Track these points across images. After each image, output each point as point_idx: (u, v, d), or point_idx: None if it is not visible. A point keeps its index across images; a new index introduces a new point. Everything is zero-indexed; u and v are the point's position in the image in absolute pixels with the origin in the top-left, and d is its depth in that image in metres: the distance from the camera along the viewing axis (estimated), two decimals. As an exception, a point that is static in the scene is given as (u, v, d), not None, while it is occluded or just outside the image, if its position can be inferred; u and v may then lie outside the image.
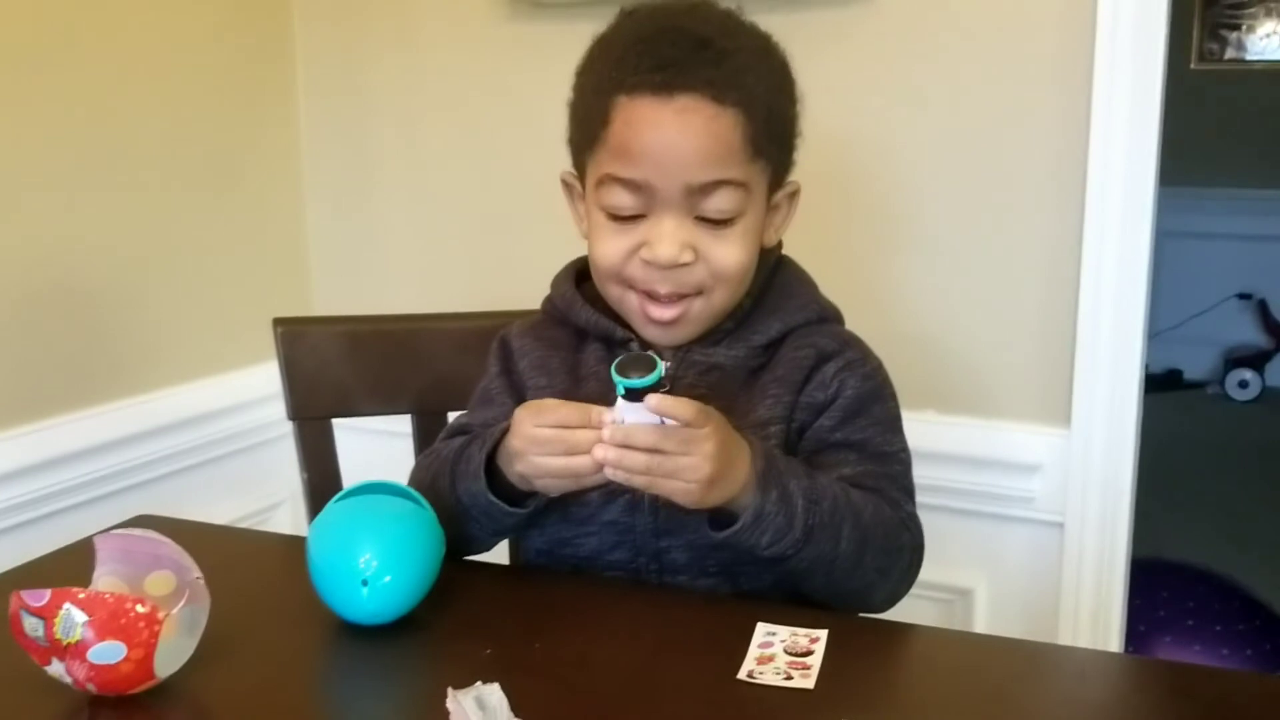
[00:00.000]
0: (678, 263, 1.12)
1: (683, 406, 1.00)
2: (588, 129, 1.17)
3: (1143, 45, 1.62)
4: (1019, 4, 1.69)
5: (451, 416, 1.52)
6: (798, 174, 1.22)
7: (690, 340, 1.19)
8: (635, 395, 1.01)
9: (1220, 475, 3.94)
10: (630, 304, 1.17)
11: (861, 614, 1.17)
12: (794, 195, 1.22)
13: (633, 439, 1.02)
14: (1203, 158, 4.50)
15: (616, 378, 1.01)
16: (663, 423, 1.01)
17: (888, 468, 1.18)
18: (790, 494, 1.06)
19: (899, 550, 1.14)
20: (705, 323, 1.18)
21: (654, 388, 1.01)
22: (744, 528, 1.05)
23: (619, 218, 1.14)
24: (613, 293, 1.19)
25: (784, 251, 1.27)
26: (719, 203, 1.11)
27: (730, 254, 1.13)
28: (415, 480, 1.23)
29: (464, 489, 1.15)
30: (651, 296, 1.15)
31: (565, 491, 1.10)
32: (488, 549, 1.23)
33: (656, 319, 1.16)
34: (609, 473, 1.03)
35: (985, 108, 1.73)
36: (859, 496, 1.12)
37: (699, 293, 1.15)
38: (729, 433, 1.05)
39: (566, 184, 1.24)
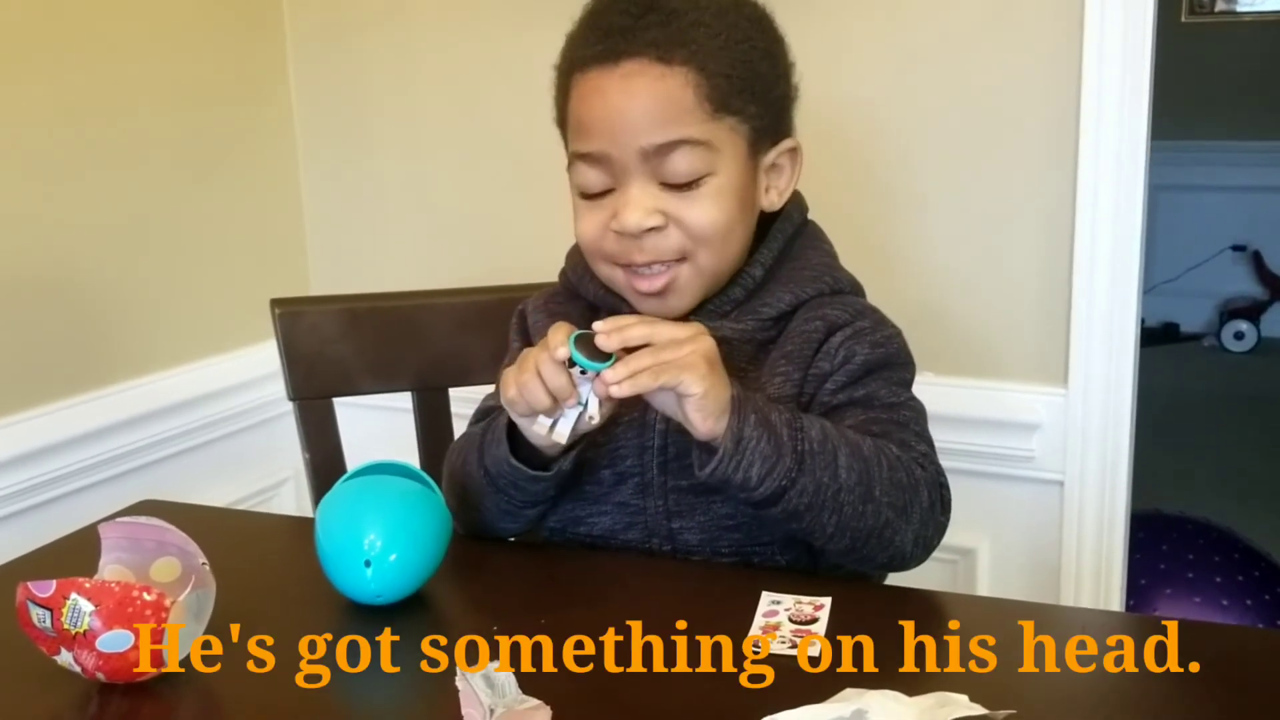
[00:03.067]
0: (644, 228, 1.10)
1: (635, 328, 1.03)
2: (558, 114, 1.18)
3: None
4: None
5: (453, 392, 1.53)
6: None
7: (690, 310, 1.17)
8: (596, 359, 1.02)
9: (1218, 427, 3.95)
10: (619, 280, 1.16)
11: (896, 568, 1.14)
12: (794, 153, 1.19)
13: (626, 334, 1.03)
14: (1195, 111, 4.49)
15: (575, 354, 1.02)
16: None
17: (895, 415, 1.14)
18: (771, 422, 1.04)
19: (914, 485, 1.09)
20: (698, 289, 1.16)
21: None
22: (726, 455, 1.02)
23: (590, 195, 1.14)
24: (601, 271, 1.18)
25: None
26: (679, 164, 1.09)
27: (702, 214, 1.11)
28: (450, 465, 1.22)
29: (490, 460, 1.15)
30: (634, 269, 1.14)
31: (559, 425, 1.09)
32: (524, 527, 1.21)
33: (644, 290, 1.14)
34: (615, 390, 1.01)
35: (974, 66, 1.72)
36: (855, 433, 1.09)
37: (682, 259, 1.13)
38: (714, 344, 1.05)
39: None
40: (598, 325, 1.02)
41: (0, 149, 1.73)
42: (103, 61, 1.87)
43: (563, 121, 1.17)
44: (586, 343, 1.03)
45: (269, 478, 2.18)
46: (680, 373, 1.00)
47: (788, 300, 1.18)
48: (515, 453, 1.13)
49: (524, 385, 1.05)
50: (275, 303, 1.49)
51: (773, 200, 1.19)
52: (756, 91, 1.13)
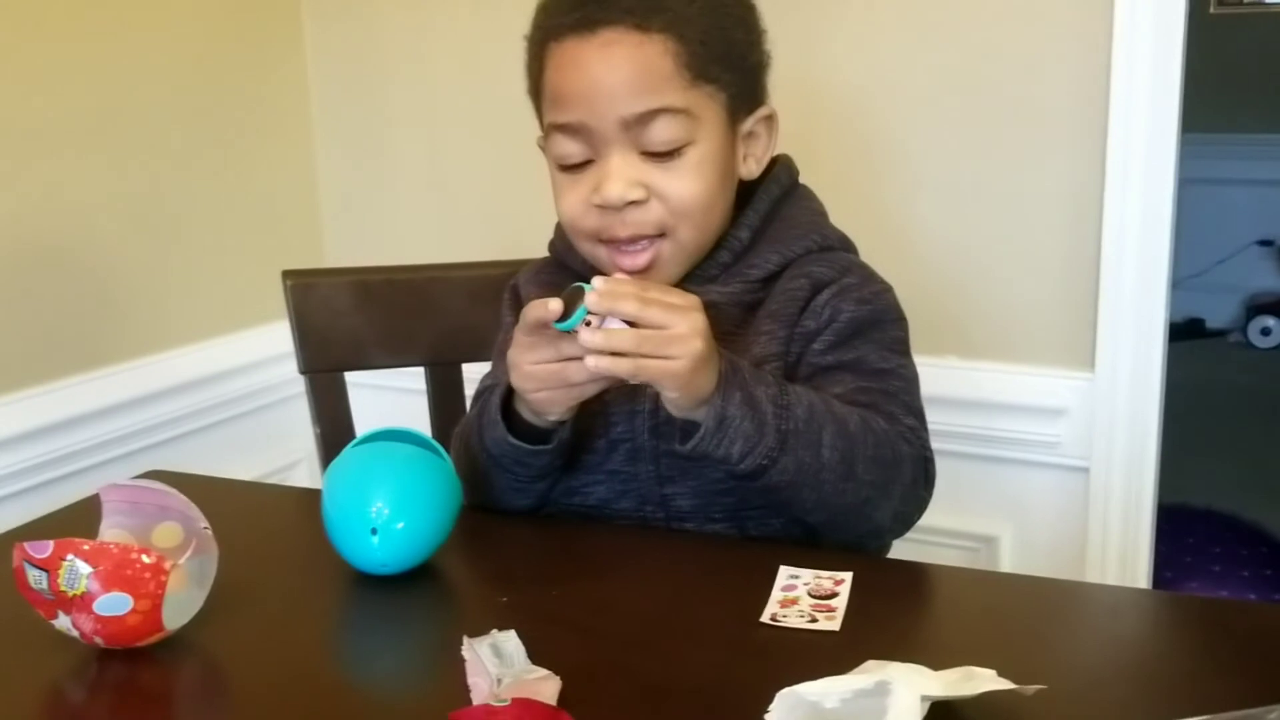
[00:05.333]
0: (627, 200, 1.08)
1: (626, 301, 0.96)
2: (532, 84, 1.16)
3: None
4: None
5: (466, 368, 1.51)
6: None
7: (677, 281, 1.14)
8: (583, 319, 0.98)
9: (1244, 422, 3.90)
10: (601, 257, 1.14)
11: (873, 541, 1.13)
12: (769, 120, 1.17)
13: (617, 306, 0.97)
14: (1222, 103, 4.42)
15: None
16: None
17: (885, 384, 1.12)
18: (756, 399, 1.01)
19: (897, 462, 1.07)
20: (680, 264, 1.14)
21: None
22: (707, 434, 1.00)
23: (568, 167, 1.12)
24: (584, 248, 1.15)
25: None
26: (660, 133, 1.08)
27: (684, 186, 1.09)
28: (455, 450, 1.20)
29: (490, 440, 1.13)
30: (617, 246, 1.12)
31: (572, 405, 1.07)
32: (533, 503, 1.18)
33: (627, 268, 1.11)
34: (591, 363, 0.97)
35: (1005, 48, 1.70)
36: (843, 407, 1.06)
37: (663, 234, 1.11)
38: (708, 325, 1.00)
39: (540, 148, 1.20)
40: (596, 281, 0.98)
41: (14, 128, 1.72)
42: (118, 39, 1.86)
43: (536, 92, 1.15)
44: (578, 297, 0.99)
45: (282, 458, 2.16)
46: (660, 376, 0.98)
47: (775, 261, 1.16)
48: (512, 430, 1.11)
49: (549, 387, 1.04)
50: (287, 274, 1.46)
51: (751, 169, 1.17)
52: (732, 59, 1.12)
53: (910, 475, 1.09)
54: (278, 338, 2.03)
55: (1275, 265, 4.90)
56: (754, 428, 1.01)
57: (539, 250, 1.47)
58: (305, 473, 2.19)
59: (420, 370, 1.50)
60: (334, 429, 1.46)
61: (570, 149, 1.10)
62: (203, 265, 2.03)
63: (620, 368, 0.98)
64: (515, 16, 1.99)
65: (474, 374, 1.46)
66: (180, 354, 1.99)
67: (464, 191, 2.13)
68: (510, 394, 1.12)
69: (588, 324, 0.98)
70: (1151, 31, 1.60)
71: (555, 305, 0.99)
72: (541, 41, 1.12)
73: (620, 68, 1.07)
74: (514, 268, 1.46)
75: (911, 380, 1.15)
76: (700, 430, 1.01)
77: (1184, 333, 4.66)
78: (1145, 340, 1.68)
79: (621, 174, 1.08)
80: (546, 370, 1.02)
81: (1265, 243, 4.88)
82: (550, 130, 1.12)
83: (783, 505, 1.08)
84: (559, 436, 1.11)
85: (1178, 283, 1.67)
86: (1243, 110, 4.65)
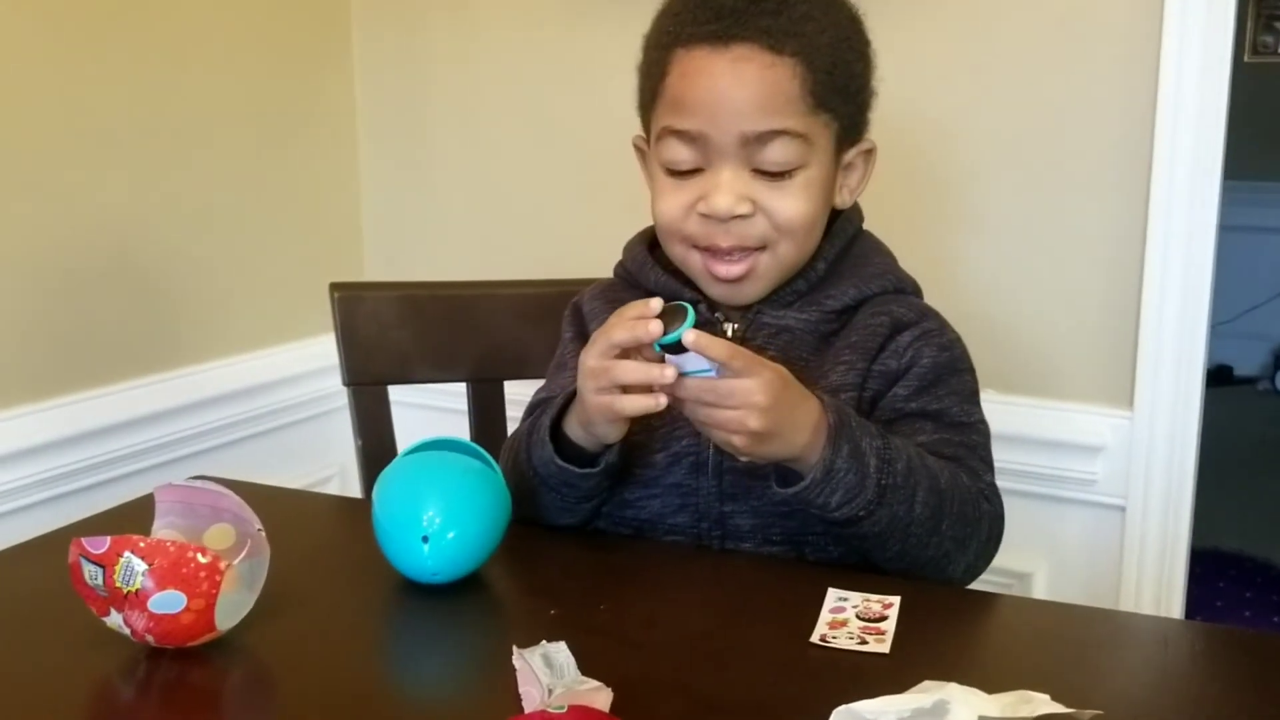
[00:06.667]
0: (734, 213, 1.10)
1: (717, 346, 0.98)
2: (648, 85, 1.17)
3: (1210, 33, 1.60)
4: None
5: (508, 386, 1.51)
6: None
7: (758, 300, 1.16)
8: (674, 349, 0.99)
9: (1273, 469, 3.88)
10: (694, 263, 1.15)
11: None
12: (869, 154, 1.19)
13: (677, 392, 1.00)
14: (1257, 151, 4.42)
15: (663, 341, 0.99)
16: (717, 373, 0.99)
17: (966, 437, 1.14)
18: (862, 451, 1.03)
19: (978, 520, 1.10)
20: (773, 279, 1.15)
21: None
22: (813, 484, 1.02)
23: (677, 172, 1.13)
24: (676, 252, 1.17)
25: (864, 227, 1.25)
26: (776, 154, 1.09)
27: (790, 206, 1.11)
28: (504, 463, 1.20)
29: (537, 460, 1.13)
30: (714, 253, 1.13)
31: (620, 430, 1.07)
32: (582, 520, 1.18)
33: (722, 276, 1.13)
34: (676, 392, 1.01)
35: (1050, 94, 1.71)
36: (935, 462, 1.09)
37: (763, 247, 1.12)
38: (789, 388, 1.02)
39: (637, 147, 1.23)
40: (689, 337, 0.98)
41: (66, 138, 1.74)
42: (167, 51, 1.87)
43: (653, 94, 1.16)
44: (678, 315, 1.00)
45: (315, 473, 2.17)
46: (719, 439, 1.02)
47: (851, 295, 1.17)
48: (560, 451, 1.11)
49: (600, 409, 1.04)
50: (334, 286, 1.47)
51: (844, 198, 1.19)
52: (850, 90, 1.14)
53: (986, 533, 1.11)
54: (315, 352, 2.05)
55: (1305, 314, 4.88)
56: (856, 480, 1.03)
57: (578, 271, 1.48)
58: (337, 489, 2.19)
59: (461, 389, 1.51)
60: (376, 443, 1.46)
61: (683, 155, 1.11)
62: (248, 278, 2.04)
63: (696, 415, 1.01)
64: (561, 31, 2.03)
65: (516, 392, 1.47)
66: (223, 365, 2.00)
67: (505, 207, 2.14)
68: (560, 415, 1.12)
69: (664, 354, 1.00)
70: (1197, 78, 1.61)
71: (655, 327, 0.99)
72: (668, 46, 1.13)
73: (749, 85, 1.08)
74: (561, 287, 1.47)
75: (988, 435, 1.17)
76: (807, 479, 1.02)
77: (1213, 379, 4.60)
78: (1184, 381, 1.68)
79: (732, 187, 1.10)
80: (602, 366, 1.02)
81: (1295, 292, 4.86)
82: (664, 133, 1.13)
83: (866, 551, 1.09)
84: (606, 459, 1.11)
85: (1209, 329, 1.67)
86: (1272, 158, 4.64)
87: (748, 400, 0.99)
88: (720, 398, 0.99)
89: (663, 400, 1.00)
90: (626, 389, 1.02)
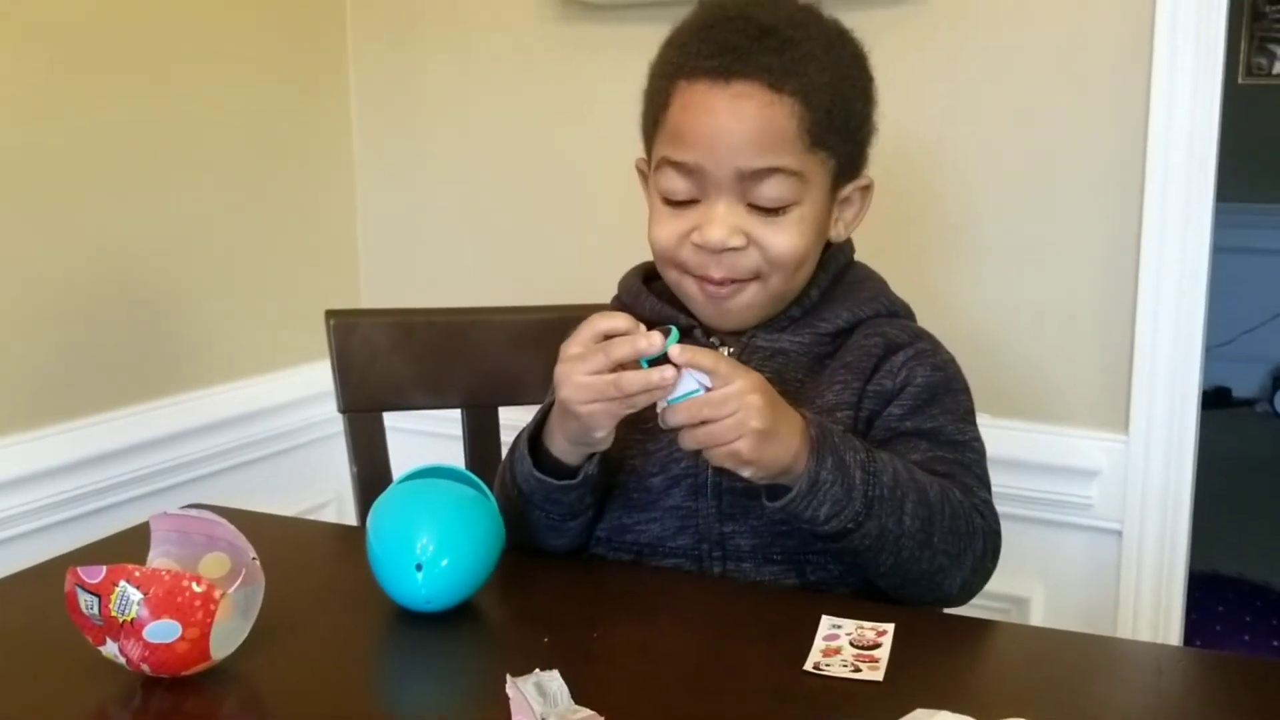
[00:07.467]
0: (726, 246, 1.11)
1: (703, 354, 1.00)
2: (651, 112, 1.18)
3: (1201, 56, 1.61)
4: (1076, 8, 1.67)
5: (503, 412, 1.51)
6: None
7: (752, 325, 1.18)
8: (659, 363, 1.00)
9: (1272, 491, 3.88)
10: (688, 287, 1.17)
11: (938, 608, 1.14)
12: (867, 190, 1.20)
13: (670, 420, 1.01)
14: (1251, 173, 4.44)
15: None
16: (703, 389, 1.00)
17: (960, 454, 1.15)
18: (847, 464, 1.04)
19: (971, 534, 1.10)
20: (763, 308, 1.17)
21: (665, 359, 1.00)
22: (799, 495, 1.03)
23: (674, 202, 1.14)
24: (670, 276, 1.18)
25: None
26: (770, 190, 1.11)
27: (782, 241, 1.12)
28: (495, 489, 1.20)
29: (520, 476, 1.14)
30: (706, 280, 1.15)
31: (609, 438, 1.07)
32: (573, 541, 1.18)
33: (713, 295, 1.14)
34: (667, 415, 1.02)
35: (1042, 115, 1.71)
36: (925, 476, 1.09)
37: (755, 277, 1.14)
38: (774, 395, 1.03)
39: (640, 170, 1.24)
40: (674, 350, 1.00)
41: (62, 165, 1.74)
42: (163, 78, 1.88)
43: (654, 122, 1.17)
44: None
45: (312, 499, 2.16)
46: (723, 454, 1.01)
47: (845, 318, 1.19)
48: (540, 465, 1.12)
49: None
50: (330, 314, 1.47)
51: (839, 232, 1.21)
52: (849, 129, 1.16)
53: (981, 548, 1.12)
54: (310, 380, 2.05)
55: (1303, 336, 4.88)
56: (843, 492, 1.03)
57: (573, 297, 1.48)
58: (333, 515, 2.19)
59: (456, 415, 1.51)
60: (371, 469, 1.46)
61: (679, 185, 1.13)
62: (244, 305, 2.05)
63: (693, 437, 1.01)
64: (558, 60, 2.04)
65: (510, 418, 1.47)
66: (217, 391, 2.00)
67: (501, 234, 2.15)
68: (539, 430, 1.13)
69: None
70: (1188, 101, 1.61)
71: (657, 338, 1.00)
72: (671, 76, 1.14)
73: (747, 122, 1.09)
74: (556, 314, 1.47)
75: (983, 454, 1.18)
76: (792, 492, 1.03)
77: (1210, 401, 4.61)
78: (1179, 405, 1.68)
79: (726, 220, 1.11)
80: (602, 381, 1.02)
81: (1293, 313, 4.87)
82: (663, 163, 1.14)
83: (859, 567, 1.10)
84: (586, 470, 1.11)
85: (1206, 351, 1.68)
86: (1269, 179, 4.66)
87: (744, 400, 1.00)
88: (716, 407, 1.00)
89: (669, 373, 1.00)
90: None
